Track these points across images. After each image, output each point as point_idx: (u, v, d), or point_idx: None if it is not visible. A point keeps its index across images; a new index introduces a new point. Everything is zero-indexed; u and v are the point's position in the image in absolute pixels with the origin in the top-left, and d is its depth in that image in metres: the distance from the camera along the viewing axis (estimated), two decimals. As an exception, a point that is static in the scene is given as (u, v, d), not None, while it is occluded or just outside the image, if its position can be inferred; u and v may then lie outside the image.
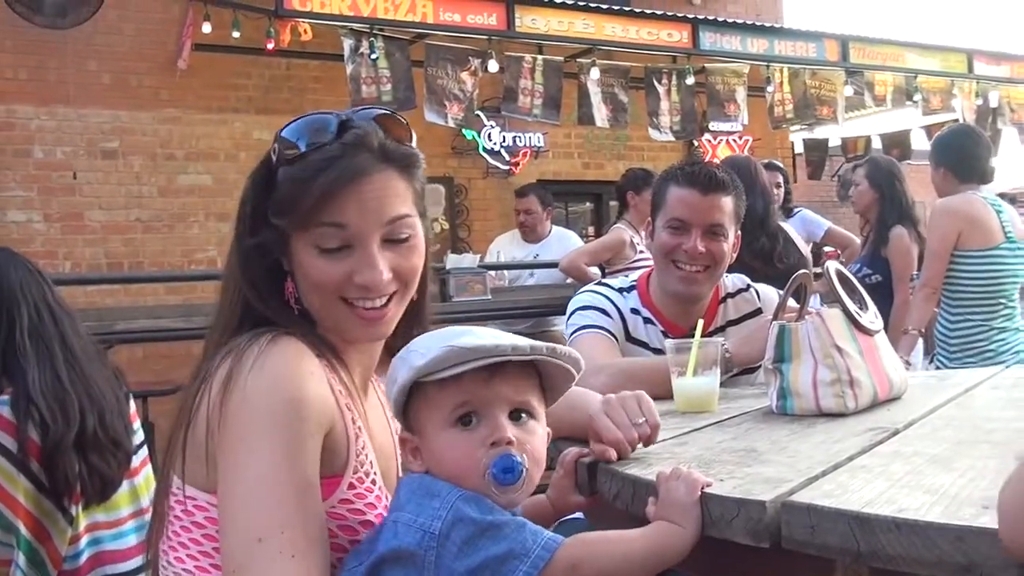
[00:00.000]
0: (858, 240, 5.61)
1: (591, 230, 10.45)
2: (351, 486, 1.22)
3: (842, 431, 1.50)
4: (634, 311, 2.37)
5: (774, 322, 1.82)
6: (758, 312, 2.40)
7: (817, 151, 10.76)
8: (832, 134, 10.74)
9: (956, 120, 9.27)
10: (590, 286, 2.52)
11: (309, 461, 1.14)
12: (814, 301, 3.61)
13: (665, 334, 2.33)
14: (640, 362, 2.21)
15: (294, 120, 1.32)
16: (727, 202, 2.31)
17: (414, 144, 1.36)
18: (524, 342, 1.17)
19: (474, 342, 1.14)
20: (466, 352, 1.13)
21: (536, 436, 1.18)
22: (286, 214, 1.27)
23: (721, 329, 2.39)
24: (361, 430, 1.27)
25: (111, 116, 7.61)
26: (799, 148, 11.05)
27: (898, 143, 10.30)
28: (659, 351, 2.25)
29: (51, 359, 2.11)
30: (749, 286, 2.48)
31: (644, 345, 2.34)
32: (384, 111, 1.35)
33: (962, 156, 4.01)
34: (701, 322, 1.97)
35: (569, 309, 2.41)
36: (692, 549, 1.13)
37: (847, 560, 0.96)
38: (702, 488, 1.13)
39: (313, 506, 1.13)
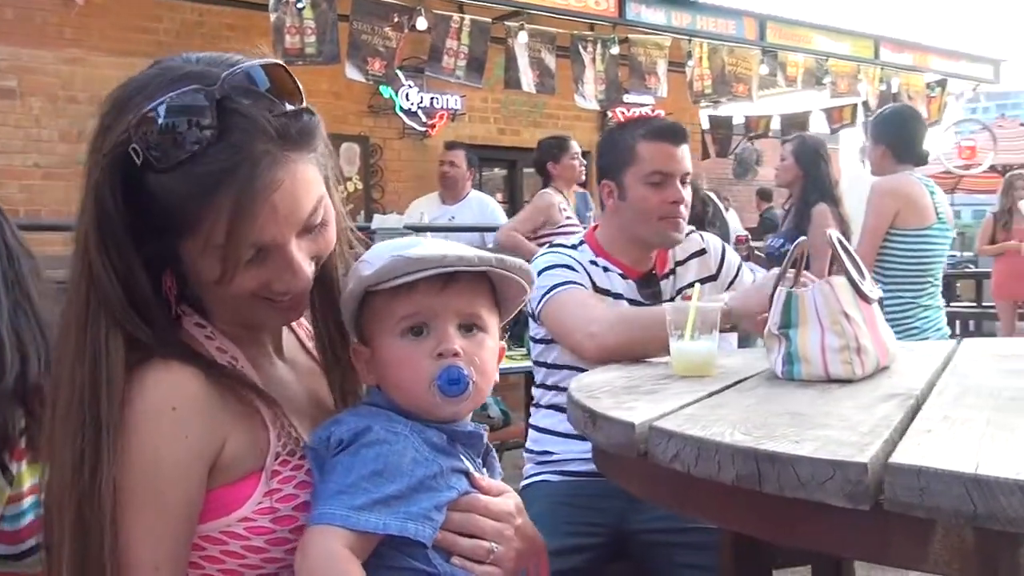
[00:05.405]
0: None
1: (501, 196, 10.40)
2: (274, 473, 1.13)
3: (865, 397, 1.50)
4: (592, 262, 2.41)
5: (781, 287, 1.83)
6: (703, 252, 2.51)
7: (723, 128, 10.95)
8: (736, 112, 10.93)
9: (855, 104, 9.61)
10: (543, 250, 2.53)
11: (174, 537, 1.07)
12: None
13: (624, 277, 2.40)
14: (634, 310, 2.26)
15: (153, 101, 1.04)
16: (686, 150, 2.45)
17: (303, 96, 1.12)
18: (472, 253, 1.15)
19: (421, 252, 1.12)
20: (413, 262, 1.11)
21: (485, 349, 1.17)
22: (179, 232, 1.07)
23: (672, 271, 2.48)
24: (278, 407, 1.16)
25: (10, 53, 7.15)
26: (705, 125, 11.22)
27: (797, 124, 10.52)
28: (619, 296, 2.37)
29: None
30: (691, 230, 2.60)
31: (607, 292, 2.38)
32: (264, 61, 1.10)
33: (903, 136, 4.11)
34: (698, 286, 1.98)
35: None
36: (767, 513, 1.11)
37: (956, 522, 0.95)
38: None
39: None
